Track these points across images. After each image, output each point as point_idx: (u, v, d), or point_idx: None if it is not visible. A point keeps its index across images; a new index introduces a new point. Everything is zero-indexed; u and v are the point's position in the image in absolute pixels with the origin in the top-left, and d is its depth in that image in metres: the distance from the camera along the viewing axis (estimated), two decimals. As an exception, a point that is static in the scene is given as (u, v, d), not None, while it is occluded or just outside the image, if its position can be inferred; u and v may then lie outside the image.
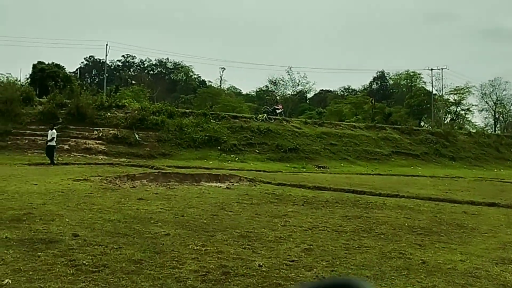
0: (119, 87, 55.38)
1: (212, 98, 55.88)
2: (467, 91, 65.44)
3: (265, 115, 33.81)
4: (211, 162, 24.42)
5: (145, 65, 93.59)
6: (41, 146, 22.95)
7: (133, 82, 73.92)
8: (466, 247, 7.05)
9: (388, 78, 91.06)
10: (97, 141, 26.00)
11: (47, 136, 21.27)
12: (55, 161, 20.12)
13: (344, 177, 20.81)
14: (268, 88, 69.67)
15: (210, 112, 32.68)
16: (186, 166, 21.08)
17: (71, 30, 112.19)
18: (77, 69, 72.81)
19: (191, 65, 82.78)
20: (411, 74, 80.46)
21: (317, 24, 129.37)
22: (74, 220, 7.45)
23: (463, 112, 67.27)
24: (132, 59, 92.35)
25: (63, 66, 41.52)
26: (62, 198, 9.87)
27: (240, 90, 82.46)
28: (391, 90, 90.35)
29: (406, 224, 8.87)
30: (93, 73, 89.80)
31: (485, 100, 71.41)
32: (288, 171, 23.64)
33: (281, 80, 66.30)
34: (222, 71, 77.03)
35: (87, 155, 24.34)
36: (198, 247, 6.11)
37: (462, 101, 66.39)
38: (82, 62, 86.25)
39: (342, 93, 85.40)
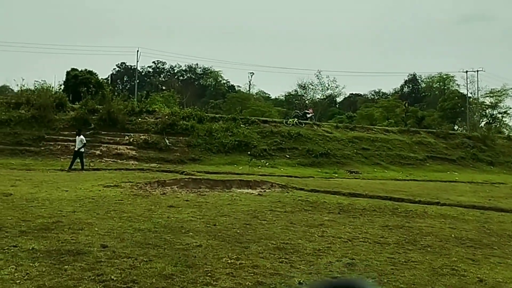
0: (149, 93, 55.92)
1: (241, 103, 55.76)
2: (504, 94, 63.16)
3: (296, 119, 33.31)
4: (241, 167, 24.08)
5: (175, 71, 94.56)
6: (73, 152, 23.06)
7: (163, 88, 74.76)
8: (524, 263, 6.42)
9: (420, 81, 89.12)
10: (128, 147, 26.07)
11: (75, 142, 20.66)
12: (73, 167, 19.58)
13: (378, 183, 20.12)
14: (297, 92, 69.12)
15: (240, 117, 32.39)
16: (216, 172, 20.82)
17: (104, 37, 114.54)
18: (109, 76, 74.12)
19: (220, 70, 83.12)
20: (444, 76, 78.50)
21: (346, 27, 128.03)
22: (103, 229, 7.18)
23: (499, 115, 64.97)
24: (163, 65, 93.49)
25: (96, 73, 42.14)
26: (92, 205, 9.68)
27: (269, 95, 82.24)
28: (423, 93, 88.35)
29: (453, 235, 8.25)
30: (125, 79, 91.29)
31: (524, 102, 68.85)
32: (319, 176, 23.09)
33: (310, 84, 65.69)
34: (251, 76, 77.00)
35: (118, 161, 24.40)
36: (232, 261, 5.71)
37: (498, 104, 64.12)
38: (114, 69, 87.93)
39: (372, 96, 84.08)
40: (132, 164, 23.74)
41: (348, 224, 8.96)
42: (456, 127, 62.13)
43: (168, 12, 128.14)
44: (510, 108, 65.02)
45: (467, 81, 64.13)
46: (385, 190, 16.04)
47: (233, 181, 15.22)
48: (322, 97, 66.88)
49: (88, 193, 11.52)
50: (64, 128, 26.25)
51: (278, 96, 79.11)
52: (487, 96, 65.15)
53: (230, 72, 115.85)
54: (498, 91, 63.09)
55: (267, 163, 26.53)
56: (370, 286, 1.22)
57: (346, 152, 30.38)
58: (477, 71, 62.20)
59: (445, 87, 78.79)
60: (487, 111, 66.54)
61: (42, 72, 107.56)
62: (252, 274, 5.21)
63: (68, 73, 40.64)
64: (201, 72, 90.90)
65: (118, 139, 26.48)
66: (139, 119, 28.55)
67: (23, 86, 28.69)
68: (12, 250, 5.65)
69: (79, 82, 37.57)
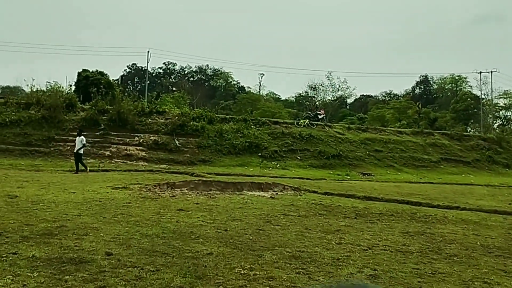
0: (160, 94, 55.80)
1: (252, 104, 55.46)
2: (518, 95, 62.20)
3: (307, 120, 32.83)
4: (252, 169, 23.68)
5: (186, 72, 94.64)
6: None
7: (174, 88, 74.73)
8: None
9: (431, 82, 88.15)
10: (138, 147, 25.81)
11: (75, 143, 19.82)
12: (80, 168, 18.76)
13: (393, 186, 19.61)
14: (308, 94, 68.63)
15: (251, 118, 32.00)
16: (226, 173, 20.45)
17: (116, 38, 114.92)
18: (120, 77, 74.23)
19: (230, 71, 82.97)
20: (457, 78, 77.57)
21: (357, 29, 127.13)
22: (109, 234, 6.82)
23: (514, 117, 63.97)
24: (173, 66, 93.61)
25: (106, 74, 42.03)
26: (99, 208, 9.33)
27: (279, 96, 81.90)
28: (435, 95, 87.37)
29: (478, 243, 7.76)
30: (136, 80, 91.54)
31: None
32: (331, 178, 22.62)
33: (321, 85, 65.14)
34: (261, 77, 76.66)
35: (128, 162, 24.14)
36: (245, 271, 5.30)
37: (513, 105, 63.17)
38: (125, 70, 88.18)
39: (383, 98, 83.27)
40: (142, 165, 23.47)
41: (366, 230, 8.51)
42: (469, 129, 61.19)
43: (179, 13, 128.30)
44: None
45: (480, 82, 63.24)
46: (400, 194, 15.54)
47: (244, 183, 14.82)
48: (332, 98, 66.28)
49: (96, 195, 11.20)
50: (74, 128, 26.03)
51: (288, 98, 78.75)
52: (501, 98, 64.17)
53: (240, 73, 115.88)
54: (512, 92, 62.15)
55: (278, 165, 26.10)
56: None
57: (358, 154, 29.85)
58: (491, 72, 61.30)
59: (457, 89, 77.82)
60: (500, 112, 65.52)
61: (54, 73, 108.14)
62: (268, 287, 4.80)
63: (79, 74, 40.62)
64: (211, 73, 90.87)
65: (128, 139, 26.24)
66: (149, 120, 28.30)
67: (33, 86, 28.59)
68: (11, 258, 5.30)
69: (90, 82, 37.50)
